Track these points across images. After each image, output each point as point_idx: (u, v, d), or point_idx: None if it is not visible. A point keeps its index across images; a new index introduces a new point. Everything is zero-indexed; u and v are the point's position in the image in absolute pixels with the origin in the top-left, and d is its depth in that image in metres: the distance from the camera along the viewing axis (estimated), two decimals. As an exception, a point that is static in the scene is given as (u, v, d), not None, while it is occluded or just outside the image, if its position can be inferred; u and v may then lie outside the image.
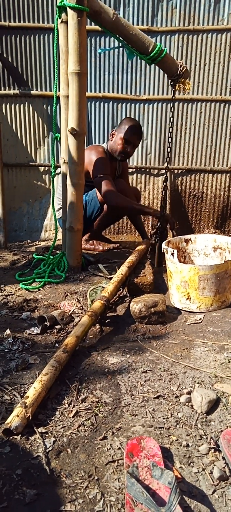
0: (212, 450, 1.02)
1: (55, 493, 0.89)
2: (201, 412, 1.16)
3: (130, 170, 3.29)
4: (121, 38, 2.17)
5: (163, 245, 2.10)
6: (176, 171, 3.29)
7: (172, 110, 2.39)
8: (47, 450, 1.02)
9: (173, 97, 2.37)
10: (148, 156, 3.29)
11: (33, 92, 3.17)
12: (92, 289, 1.91)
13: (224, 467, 0.97)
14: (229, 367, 1.40)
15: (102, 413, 1.17)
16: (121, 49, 3.05)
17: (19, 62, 3.13)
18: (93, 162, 2.54)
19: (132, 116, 3.19)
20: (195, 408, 1.19)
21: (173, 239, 2.32)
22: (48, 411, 1.17)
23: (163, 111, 3.19)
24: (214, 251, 2.28)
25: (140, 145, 3.12)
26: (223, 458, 1.00)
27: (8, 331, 1.63)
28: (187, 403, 1.21)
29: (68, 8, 2.00)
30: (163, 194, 2.51)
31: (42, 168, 3.32)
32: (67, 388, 1.28)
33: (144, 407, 1.20)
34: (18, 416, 1.06)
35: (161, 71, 3.09)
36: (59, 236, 2.77)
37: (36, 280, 2.19)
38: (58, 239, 2.49)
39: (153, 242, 2.55)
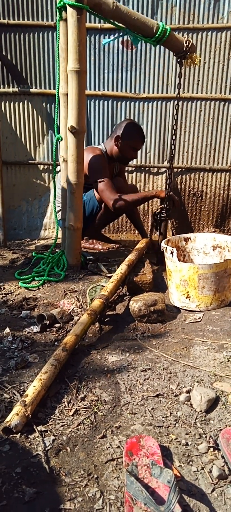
0: (211, 449, 1.02)
1: (54, 491, 0.89)
2: (200, 411, 1.17)
3: (129, 169, 3.29)
4: (124, 26, 2.16)
5: (163, 244, 2.10)
6: (175, 169, 3.29)
7: (176, 108, 2.38)
8: (46, 449, 1.02)
9: (178, 95, 2.36)
10: (147, 155, 3.28)
11: (33, 90, 3.17)
12: (91, 288, 1.91)
13: (223, 466, 0.97)
14: (229, 366, 1.40)
15: (101, 412, 1.17)
16: (120, 47, 3.06)
17: (19, 60, 3.12)
18: (92, 166, 2.53)
19: (131, 114, 3.19)
20: (194, 407, 1.19)
21: (173, 237, 2.32)
22: (48, 409, 1.17)
23: (162, 109, 3.18)
24: (213, 250, 2.28)
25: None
26: (222, 457, 1.00)
27: (7, 330, 1.63)
28: (186, 402, 1.21)
29: (67, 6, 1.99)
30: (168, 187, 2.48)
31: (41, 166, 3.32)
32: (67, 387, 1.28)
33: (143, 405, 1.20)
34: (17, 414, 1.06)
35: (160, 69, 3.10)
36: (59, 234, 2.76)
37: (35, 278, 2.19)
38: (58, 238, 2.49)
39: (156, 221, 2.56)
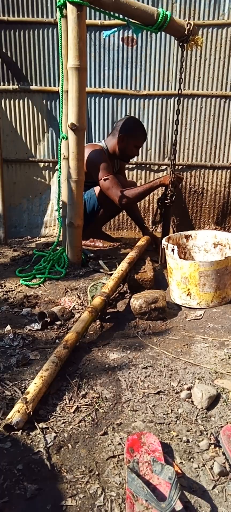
0: (212, 446, 1.02)
1: (56, 488, 0.90)
2: (201, 408, 1.17)
3: (130, 166, 3.28)
4: (125, 17, 2.15)
5: (163, 241, 2.10)
6: (176, 166, 3.28)
7: (179, 103, 2.36)
8: (48, 446, 1.02)
9: (179, 91, 2.34)
10: (148, 152, 3.28)
11: (33, 87, 3.16)
12: (92, 285, 1.91)
13: (224, 463, 0.97)
14: (229, 363, 1.40)
15: (102, 409, 1.17)
16: (120, 44, 3.05)
17: (19, 57, 3.11)
18: (95, 163, 2.52)
19: (132, 112, 3.18)
20: (195, 404, 1.19)
21: (173, 235, 2.31)
22: (49, 406, 1.17)
23: (163, 106, 3.17)
24: (214, 247, 2.28)
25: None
26: (223, 453, 1.00)
27: (8, 327, 1.64)
28: (187, 399, 1.21)
29: (67, 3, 1.98)
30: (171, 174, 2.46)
31: (42, 164, 3.31)
32: (68, 384, 1.28)
33: (144, 402, 1.20)
34: (19, 411, 1.06)
35: (161, 66, 3.09)
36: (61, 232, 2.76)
37: (36, 276, 2.19)
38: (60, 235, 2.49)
39: (160, 207, 2.57)
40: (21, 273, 2.25)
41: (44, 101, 3.19)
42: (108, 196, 2.54)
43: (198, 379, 1.31)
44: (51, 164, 3.30)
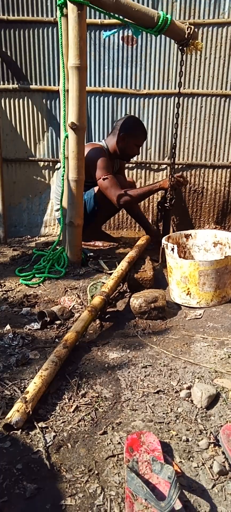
0: (212, 445, 1.02)
1: (55, 487, 0.90)
2: (201, 407, 1.17)
3: (130, 165, 3.28)
4: (125, 19, 2.14)
5: (163, 241, 2.10)
6: (176, 166, 3.28)
7: (178, 106, 2.35)
8: (47, 445, 1.02)
9: (179, 92, 2.34)
10: (148, 151, 3.27)
11: (33, 86, 3.15)
12: (92, 285, 1.91)
13: (223, 462, 0.97)
14: (229, 362, 1.40)
15: (102, 408, 1.17)
16: (120, 43, 3.04)
17: (18, 56, 3.11)
18: (95, 162, 2.52)
19: (132, 111, 3.18)
20: (195, 403, 1.19)
21: (173, 234, 2.31)
22: (49, 406, 1.17)
23: (163, 105, 3.17)
24: (214, 246, 2.27)
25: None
26: (223, 453, 1.00)
27: (8, 327, 1.64)
28: (187, 398, 1.21)
29: (68, 2, 1.98)
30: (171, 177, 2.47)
31: (41, 163, 3.31)
32: (68, 383, 1.28)
33: (144, 402, 1.20)
34: (18, 411, 1.06)
35: (161, 65, 3.08)
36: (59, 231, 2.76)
37: (36, 275, 2.19)
38: (58, 234, 2.49)
39: (160, 210, 2.61)
40: (21, 272, 2.25)
41: (44, 101, 3.19)
42: (106, 195, 2.54)
43: (198, 378, 1.30)
44: (51, 163, 3.30)
